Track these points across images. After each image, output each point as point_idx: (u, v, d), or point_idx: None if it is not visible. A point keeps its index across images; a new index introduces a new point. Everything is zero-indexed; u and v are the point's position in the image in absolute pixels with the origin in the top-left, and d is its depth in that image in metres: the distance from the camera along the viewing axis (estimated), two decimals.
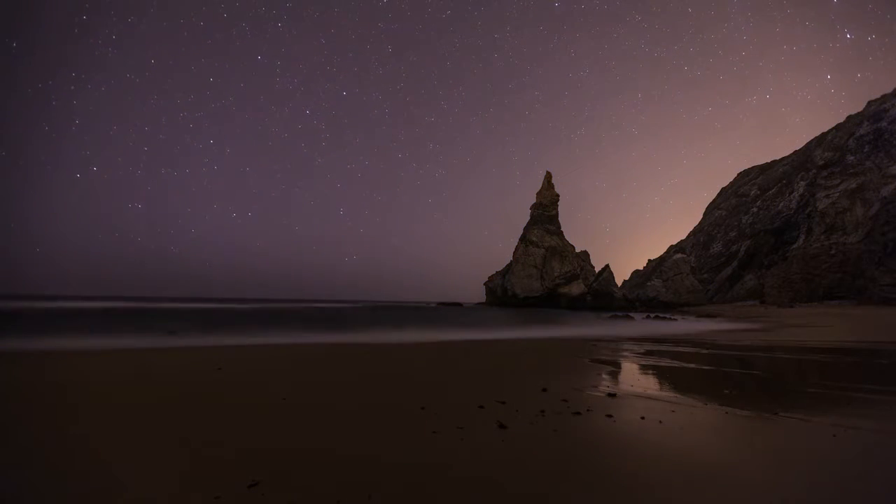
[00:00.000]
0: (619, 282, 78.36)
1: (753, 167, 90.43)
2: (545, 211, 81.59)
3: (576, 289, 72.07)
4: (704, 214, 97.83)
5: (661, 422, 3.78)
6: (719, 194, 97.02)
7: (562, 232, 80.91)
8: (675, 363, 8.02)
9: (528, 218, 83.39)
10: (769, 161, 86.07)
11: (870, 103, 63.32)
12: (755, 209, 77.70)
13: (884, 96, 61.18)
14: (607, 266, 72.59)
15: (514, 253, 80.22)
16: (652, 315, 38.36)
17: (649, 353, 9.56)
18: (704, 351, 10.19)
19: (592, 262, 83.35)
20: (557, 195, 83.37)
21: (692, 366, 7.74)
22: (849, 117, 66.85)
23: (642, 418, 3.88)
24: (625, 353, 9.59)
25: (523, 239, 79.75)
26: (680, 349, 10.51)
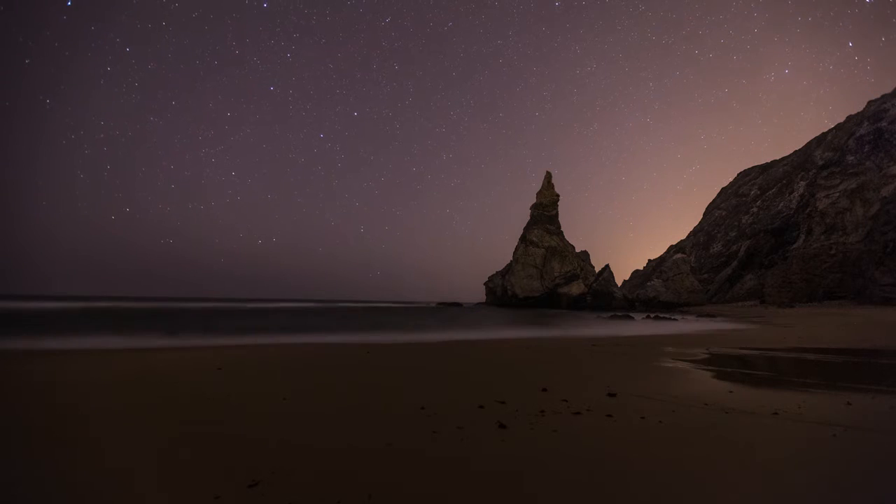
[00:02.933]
0: (619, 282, 78.34)
1: (753, 167, 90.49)
2: (545, 211, 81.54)
3: (576, 289, 72.04)
4: (704, 214, 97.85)
5: (660, 422, 3.78)
6: (719, 194, 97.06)
7: (562, 232, 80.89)
8: (675, 363, 8.02)
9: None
10: (769, 161, 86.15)
11: (870, 103, 63.36)
12: (755, 209, 77.69)
13: (884, 96, 61.24)
14: (607, 266, 72.59)
15: (514, 253, 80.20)
16: (652, 315, 38.35)
17: (649, 353, 9.55)
18: (705, 350, 10.18)
19: (592, 262, 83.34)
20: (557, 195, 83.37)
21: (692, 365, 7.73)
22: (848, 117, 66.88)
23: (642, 418, 3.88)
24: (625, 353, 9.58)
25: (523, 239, 79.71)
26: (681, 348, 10.50)
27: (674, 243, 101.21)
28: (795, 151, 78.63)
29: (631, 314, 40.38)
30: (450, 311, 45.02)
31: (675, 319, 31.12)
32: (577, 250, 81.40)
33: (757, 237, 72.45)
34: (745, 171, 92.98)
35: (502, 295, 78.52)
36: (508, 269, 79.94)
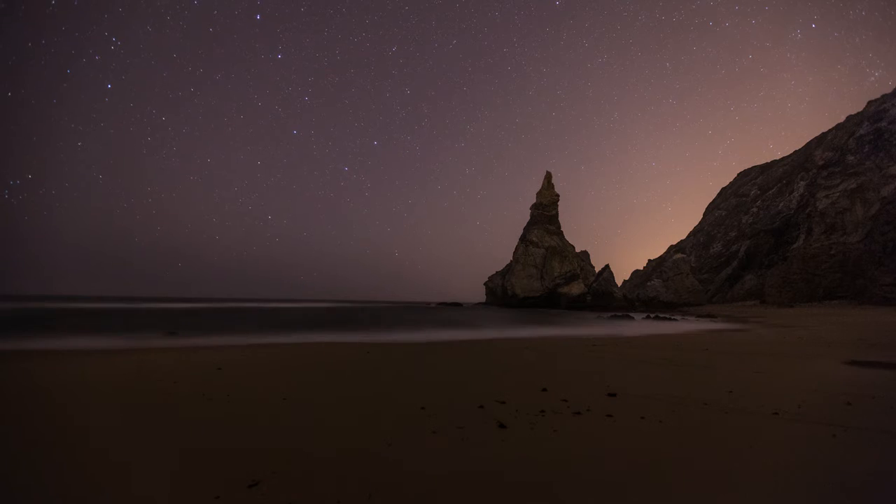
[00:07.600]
0: (619, 282, 78.36)
1: (753, 167, 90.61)
2: (545, 211, 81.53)
3: (576, 289, 72.01)
4: (704, 214, 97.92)
5: (661, 422, 3.78)
6: (719, 194, 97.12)
7: (562, 232, 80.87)
8: (675, 362, 8.01)
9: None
10: (769, 161, 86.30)
11: (870, 103, 63.33)
12: (755, 209, 77.68)
13: (884, 96, 61.19)
14: (607, 266, 72.57)
15: (514, 253, 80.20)
16: (652, 315, 38.33)
17: (650, 353, 9.55)
18: (705, 350, 10.17)
19: (592, 262, 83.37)
20: (557, 195, 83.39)
21: (693, 365, 7.73)
22: (849, 117, 66.90)
23: (642, 418, 3.88)
24: (626, 353, 9.58)
25: (523, 239, 79.70)
26: (681, 348, 10.49)
27: (674, 243, 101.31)
28: (795, 151, 78.70)
29: (631, 314, 40.37)
30: (450, 311, 45.02)
31: (675, 319, 31.11)
32: (578, 250, 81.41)
33: (757, 237, 72.45)
34: (744, 171, 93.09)
35: (502, 295, 78.51)
36: (508, 269, 79.93)
